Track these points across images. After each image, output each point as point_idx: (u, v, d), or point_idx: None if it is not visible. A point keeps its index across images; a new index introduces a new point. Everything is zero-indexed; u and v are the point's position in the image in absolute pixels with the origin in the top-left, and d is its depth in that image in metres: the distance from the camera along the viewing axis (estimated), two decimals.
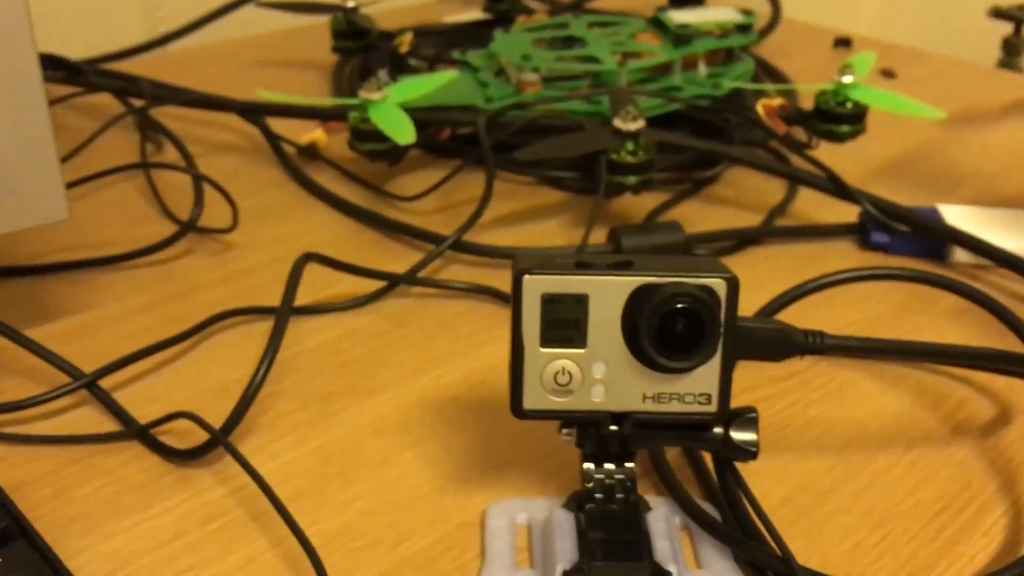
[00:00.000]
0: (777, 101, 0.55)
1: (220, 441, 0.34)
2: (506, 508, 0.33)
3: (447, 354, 0.42)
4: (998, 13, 0.99)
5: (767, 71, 0.72)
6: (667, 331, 0.28)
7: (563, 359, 0.29)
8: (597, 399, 0.29)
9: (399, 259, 0.48)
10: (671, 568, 0.30)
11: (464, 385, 0.40)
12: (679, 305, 0.28)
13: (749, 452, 0.30)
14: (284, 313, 0.38)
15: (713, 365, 0.29)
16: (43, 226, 0.39)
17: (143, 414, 0.37)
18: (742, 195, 0.56)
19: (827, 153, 0.57)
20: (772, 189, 0.56)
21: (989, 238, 0.47)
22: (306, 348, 0.42)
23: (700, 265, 0.29)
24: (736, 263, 0.49)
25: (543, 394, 0.29)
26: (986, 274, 0.48)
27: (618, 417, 0.30)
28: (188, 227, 0.48)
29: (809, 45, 0.80)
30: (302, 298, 0.44)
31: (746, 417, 0.31)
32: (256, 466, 0.33)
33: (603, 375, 0.29)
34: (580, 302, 0.29)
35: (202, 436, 0.35)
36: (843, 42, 0.81)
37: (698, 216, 0.53)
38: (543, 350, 0.29)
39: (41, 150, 0.35)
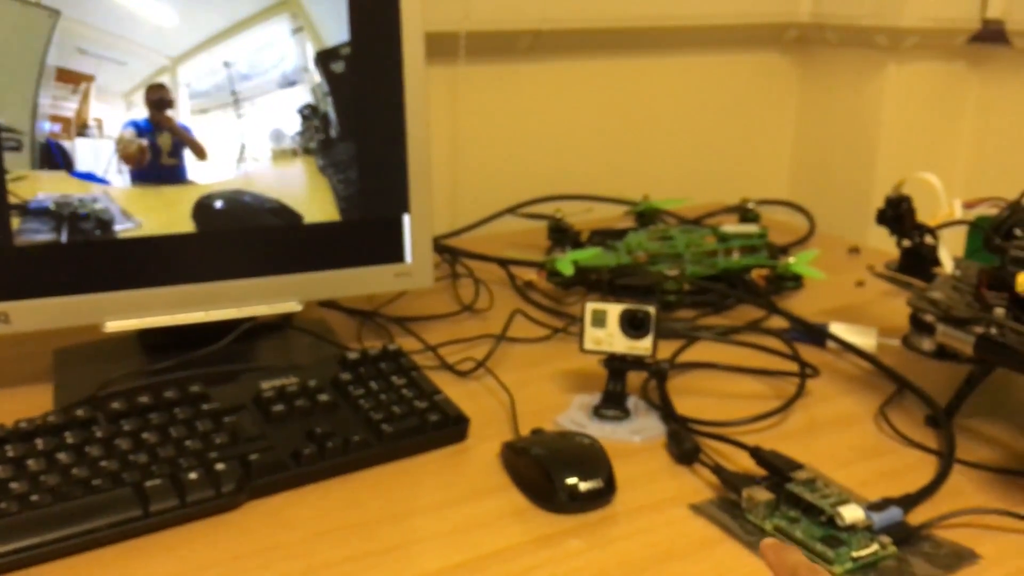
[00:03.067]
0: (764, 272, 1.10)
1: (482, 365, 0.92)
2: (581, 396, 0.89)
3: (574, 359, 0.98)
4: None
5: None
6: (634, 323, 0.84)
7: (599, 331, 0.85)
8: (608, 348, 0.85)
9: (558, 324, 1.05)
10: (631, 409, 0.84)
11: (580, 364, 0.96)
12: (639, 314, 0.84)
13: (664, 372, 0.85)
14: (503, 333, 0.97)
15: (649, 337, 0.84)
16: (416, 300, 0.99)
17: (451, 360, 0.96)
18: (740, 315, 1.09)
19: (803, 300, 1.09)
20: (757, 314, 1.09)
21: (847, 337, 0.98)
22: (515, 352, 1.00)
23: (648, 305, 0.85)
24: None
25: (591, 344, 0.85)
26: (843, 353, 0.99)
27: (618, 356, 0.85)
28: (468, 307, 1.08)
29: (831, 250, 1.33)
30: (516, 335, 1.02)
31: (665, 361, 0.85)
32: None
33: (611, 339, 0.85)
34: (604, 312, 0.85)
35: (474, 366, 0.93)
36: (854, 250, 1.33)
37: (711, 322, 1.08)
38: (591, 328, 0.85)
39: (428, 259, 0.97)
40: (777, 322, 1.06)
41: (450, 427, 0.80)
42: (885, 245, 1.51)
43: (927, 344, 0.82)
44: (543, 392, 0.91)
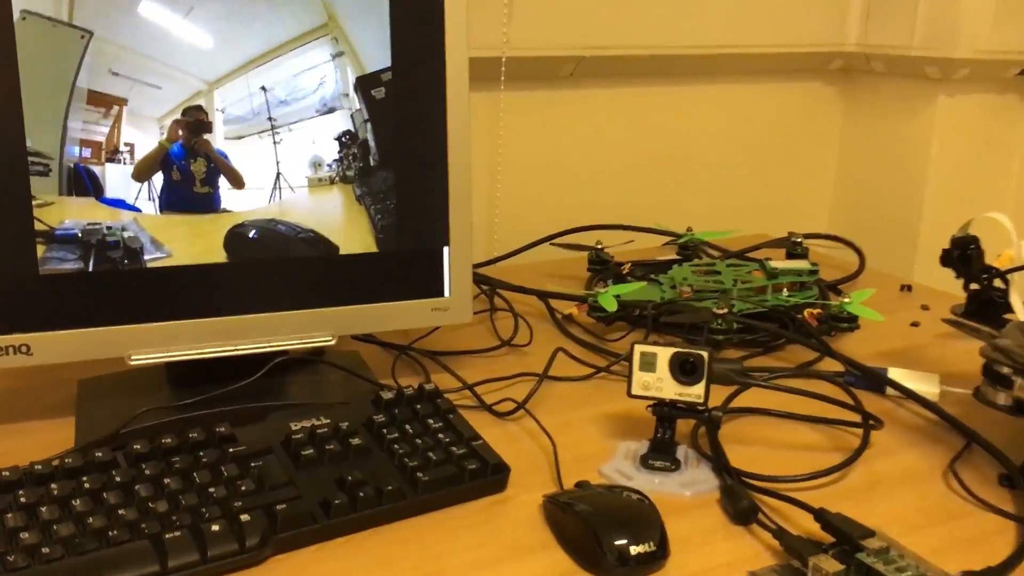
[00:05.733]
0: (816, 311, 1.05)
1: (521, 407, 0.88)
2: (627, 443, 0.84)
3: (619, 400, 0.93)
4: None
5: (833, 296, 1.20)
6: (684, 368, 0.79)
7: (646, 377, 0.80)
8: (657, 393, 0.80)
9: (605, 363, 1.00)
10: (681, 460, 0.79)
11: (624, 408, 0.91)
12: (690, 359, 0.79)
13: (717, 422, 0.80)
14: (545, 372, 0.93)
15: (702, 383, 0.79)
16: (453, 334, 0.95)
17: (489, 400, 0.91)
18: (791, 357, 1.04)
19: (857, 342, 1.04)
20: (808, 355, 1.03)
21: (908, 385, 0.93)
22: (557, 392, 0.95)
23: (702, 347, 0.80)
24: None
25: (639, 389, 0.80)
26: (904, 401, 0.93)
27: (668, 402, 0.80)
28: (507, 342, 1.04)
29: (883, 287, 1.28)
30: (557, 373, 0.98)
31: (717, 409, 0.80)
32: None
33: (660, 384, 0.80)
34: (654, 355, 0.80)
35: (514, 407, 0.88)
36: (906, 287, 1.27)
37: (763, 362, 1.02)
38: (639, 372, 0.80)
39: (467, 293, 0.93)
40: (830, 365, 1.01)
41: (489, 476, 0.75)
42: (934, 282, 1.45)
43: (1003, 398, 0.77)
44: (587, 437, 0.86)
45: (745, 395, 0.92)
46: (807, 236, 1.28)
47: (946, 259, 0.92)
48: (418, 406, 0.82)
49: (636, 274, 1.22)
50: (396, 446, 0.76)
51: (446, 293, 0.93)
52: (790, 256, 1.27)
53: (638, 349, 0.81)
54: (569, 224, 1.37)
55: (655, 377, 0.80)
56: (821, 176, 1.74)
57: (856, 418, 0.86)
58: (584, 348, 1.06)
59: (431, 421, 0.80)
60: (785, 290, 1.12)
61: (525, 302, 1.20)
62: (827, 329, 1.06)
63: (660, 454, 0.80)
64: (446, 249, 0.92)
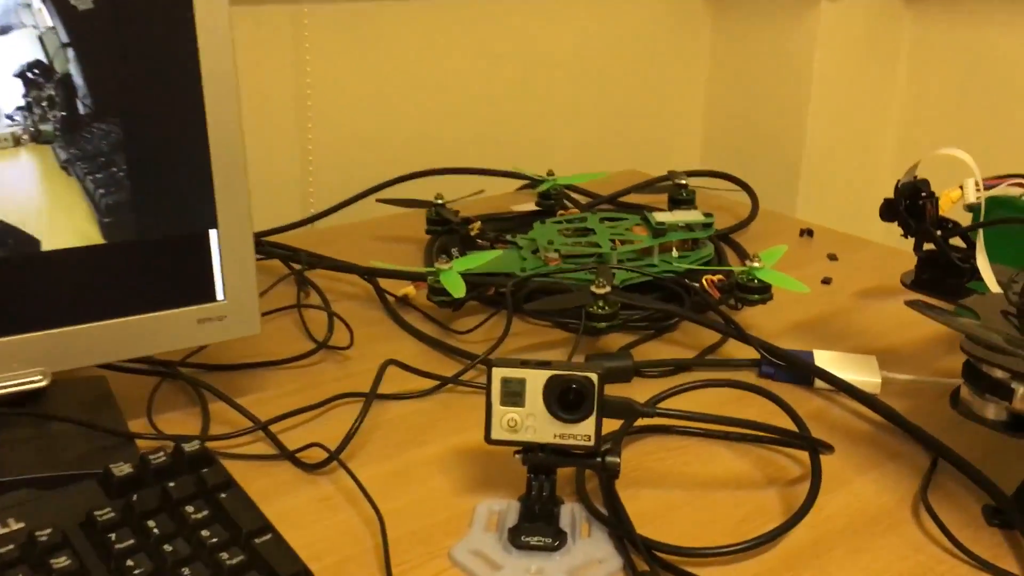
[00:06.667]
0: (717, 277, 0.82)
1: (335, 458, 0.61)
2: (487, 503, 0.59)
3: (471, 425, 0.68)
4: None
5: (739, 252, 0.99)
6: (565, 399, 0.55)
7: (512, 412, 0.56)
8: (530, 435, 0.55)
9: (453, 369, 0.75)
10: (566, 530, 0.55)
11: (478, 442, 0.66)
12: (572, 386, 0.55)
13: (614, 470, 0.56)
14: (372, 394, 0.66)
15: (591, 419, 0.55)
16: (242, 339, 0.68)
17: (293, 446, 0.64)
18: (688, 339, 0.82)
19: (759, 313, 0.83)
20: (710, 336, 0.81)
21: (840, 373, 0.72)
22: (390, 417, 0.69)
23: (590, 366, 0.55)
24: (673, 380, 0.75)
25: (501, 431, 0.56)
26: (835, 395, 0.72)
27: (542, 446, 0.56)
28: (321, 345, 0.77)
29: (782, 231, 1.07)
30: (390, 389, 0.72)
31: (613, 450, 0.56)
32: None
33: (532, 422, 0.55)
34: (521, 382, 0.55)
35: (326, 457, 0.62)
36: (807, 231, 1.07)
37: (654, 351, 0.80)
38: (501, 407, 0.56)
39: (251, 294, 0.65)
40: (735, 349, 0.79)
41: None
42: (824, 218, 1.26)
43: (993, 411, 0.56)
44: (431, 497, 0.61)
45: (637, 388, 0.69)
46: (691, 174, 1.05)
47: (889, 211, 0.71)
48: (171, 484, 0.54)
49: (488, 236, 0.96)
50: (130, 562, 0.49)
51: (219, 296, 0.65)
52: (674, 203, 1.04)
53: (498, 374, 0.55)
54: (402, 170, 1.09)
55: (524, 413, 0.55)
56: (690, 101, 1.52)
57: (787, 432, 0.64)
58: (425, 345, 0.80)
59: (191, 510, 0.52)
60: (675, 250, 0.89)
61: (348, 280, 0.93)
62: (729, 299, 0.83)
63: (536, 523, 0.56)
64: (213, 233, 0.63)
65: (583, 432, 0.55)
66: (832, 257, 1.00)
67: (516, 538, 0.55)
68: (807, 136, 1.40)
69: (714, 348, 0.80)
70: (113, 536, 0.50)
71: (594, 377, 0.55)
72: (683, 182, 1.04)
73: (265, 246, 0.93)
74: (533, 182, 1.09)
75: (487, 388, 0.56)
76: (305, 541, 0.55)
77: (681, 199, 1.03)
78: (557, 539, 0.55)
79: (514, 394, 0.55)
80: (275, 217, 1.05)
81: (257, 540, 0.51)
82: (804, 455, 0.64)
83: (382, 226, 1.09)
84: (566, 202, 1.06)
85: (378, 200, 1.05)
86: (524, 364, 0.56)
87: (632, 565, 0.53)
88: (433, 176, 1.09)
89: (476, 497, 0.60)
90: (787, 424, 0.64)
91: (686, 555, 0.54)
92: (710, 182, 1.14)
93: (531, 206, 1.07)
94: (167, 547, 0.50)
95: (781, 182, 1.41)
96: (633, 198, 1.11)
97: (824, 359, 0.75)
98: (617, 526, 0.56)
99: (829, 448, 0.60)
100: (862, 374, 0.73)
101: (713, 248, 0.92)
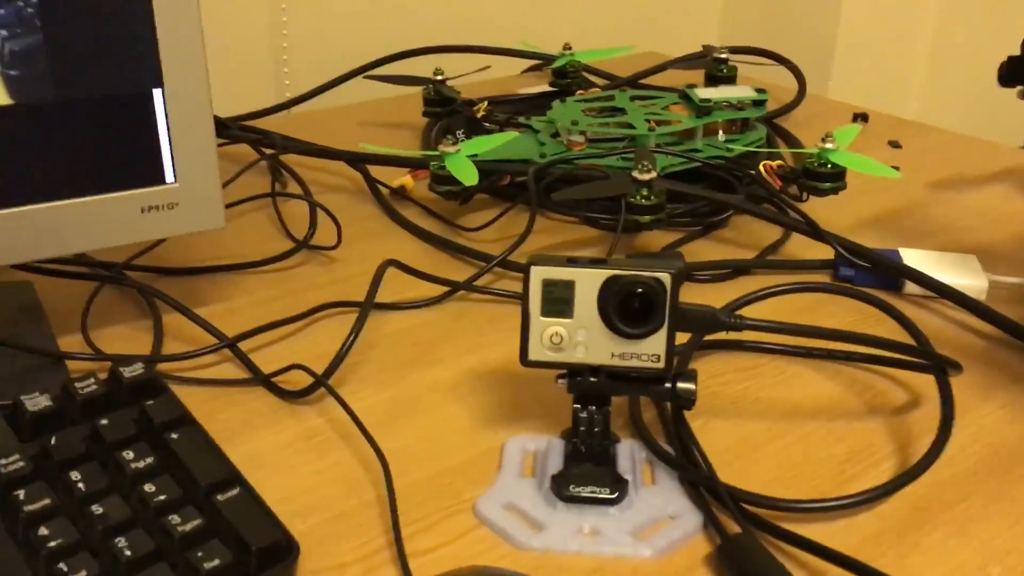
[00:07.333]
0: (776, 162, 0.68)
1: (322, 383, 0.48)
2: (519, 440, 0.46)
3: (492, 341, 0.55)
4: None
5: (786, 139, 0.84)
6: (628, 308, 0.41)
7: (556, 326, 0.42)
8: (579, 355, 0.42)
9: (463, 273, 0.61)
10: (627, 478, 0.42)
11: (502, 362, 0.53)
12: (637, 290, 0.41)
13: (689, 400, 0.43)
14: (368, 302, 0.53)
15: (661, 334, 0.42)
16: (203, 237, 0.54)
17: (267, 368, 0.51)
18: (744, 237, 0.68)
19: (824, 205, 0.69)
20: (769, 234, 0.68)
21: (936, 275, 0.59)
22: (389, 332, 0.56)
23: (654, 264, 0.42)
24: (731, 287, 0.62)
25: (542, 350, 0.42)
26: (930, 303, 0.59)
27: (595, 369, 0.43)
28: (302, 244, 0.63)
29: (831, 117, 0.93)
30: (389, 297, 0.58)
31: (687, 374, 0.43)
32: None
33: (584, 338, 0.42)
34: (569, 286, 0.42)
35: (310, 383, 0.49)
36: (861, 116, 0.93)
37: (705, 251, 0.66)
38: (543, 318, 0.42)
39: (210, 172, 0.50)
40: (799, 249, 0.66)
41: (255, 572, 0.36)
42: (874, 101, 1.12)
43: None
44: (446, 432, 0.48)
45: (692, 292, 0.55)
46: (733, 51, 0.90)
47: (1013, 72, 0.57)
48: (103, 421, 0.40)
49: (497, 118, 0.82)
50: (43, 530, 0.35)
51: (168, 178, 0.50)
52: (712, 82, 0.89)
53: (539, 275, 0.42)
54: (393, 47, 0.93)
55: (572, 326, 0.42)
56: None
57: (896, 347, 0.50)
58: (428, 244, 0.66)
59: (129, 456, 0.39)
60: (721, 132, 0.75)
61: (332, 169, 0.78)
62: (790, 189, 0.70)
63: (586, 468, 0.43)
64: (157, 94, 0.49)
65: (650, 351, 0.42)
66: (895, 144, 0.86)
67: (562, 488, 0.42)
68: (843, 10, 1.25)
69: (775, 247, 0.66)
70: (21, 494, 0.37)
71: (666, 278, 0.41)
72: (723, 56, 0.89)
73: (231, 129, 0.79)
74: (545, 60, 0.93)
75: (523, 295, 0.42)
76: (285, 493, 0.43)
77: (721, 76, 0.88)
78: (616, 489, 0.42)
79: (560, 302, 0.42)
80: (241, 103, 0.90)
81: (219, 496, 0.38)
82: (908, 376, 0.52)
83: (370, 111, 0.93)
84: (584, 84, 0.91)
85: (366, 77, 0.89)
86: (572, 262, 0.42)
87: (716, 523, 0.41)
88: (427, 55, 0.93)
89: (504, 432, 0.47)
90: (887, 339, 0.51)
91: (787, 509, 0.41)
92: (750, 60, 0.98)
93: (544, 87, 0.92)
94: (95, 508, 0.37)
95: (813, 63, 1.25)
96: (660, 79, 0.96)
97: (914, 259, 0.61)
98: (692, 472, 0.43)
99: (958, 367, 0.47)
100: (963, 276, 0.60)
101: (767, 131, 0.77)
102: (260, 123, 0.85)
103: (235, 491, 0.38)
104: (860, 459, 0.46)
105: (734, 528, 0.40)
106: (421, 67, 0.89)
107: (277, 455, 0.45)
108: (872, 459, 0.46)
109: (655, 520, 0.41)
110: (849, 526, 0.42)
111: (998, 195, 0.76)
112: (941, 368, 0.47)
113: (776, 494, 0.43)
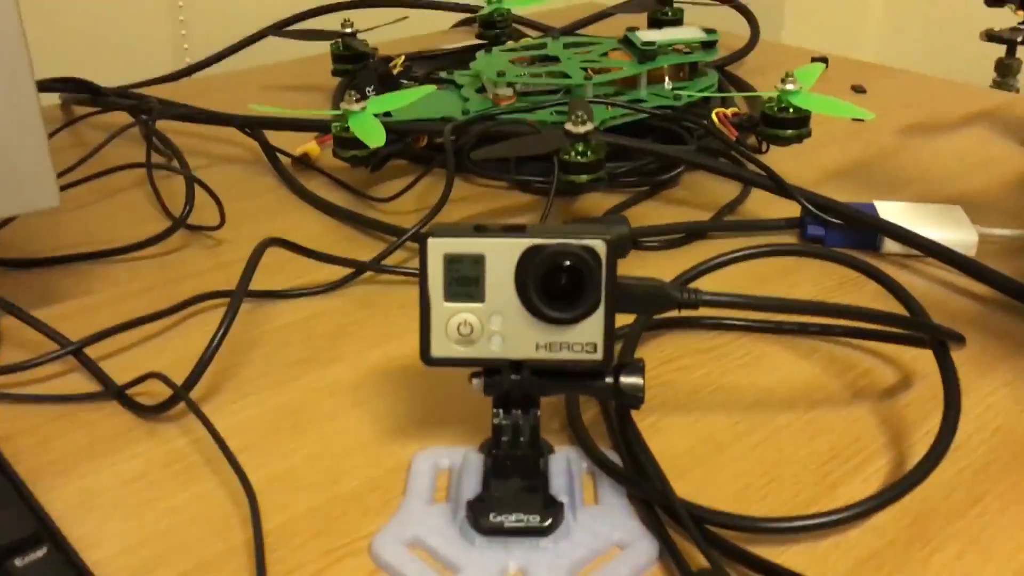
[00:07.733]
0: (731, 110, 0.60)
1: (182, 397, 0.39)
2: (430, 454, 0.37)
3: (403, 330, 0.46)
4: (991, 36, 1.02)
5: (740, 88, 0.76)
6: (553, 286, 0.32)
7: (465, 312, 0.33)
8: (496, 348, 0.33)
9: (373, 252, 0.52)
10: (563, 499, 0.34)
11: (414, 356, 0.44)
12: (564, 263, 0.32)
13: (636, 398, 0.34)
14: (241, 290, 0.43)
15: (597, 317, 0.33)
16: (52, 224, 0.44)
17: (124, 378, 0.41)
18: (697, 196, 0.60)
19: (785, 157, 0.61)
20: (725, 191, 0.59)
21: (919, 230, 0.51)
22: (277, 326, 0.46)
23: (586, 230, 0.33)
24: (684, 254, 0.53)
25: (448, 343, 0.33)
26: (914, 262, 0.51)
27: (516, 365, 0.34)
28: (178, 223, 0.53)
29: (786, 64, 0.84)
30: (281, 284, 0.49)
31: (633, 365, 0.34)
32: (216, 421, 0.38)
33: (500, 326, 0.33)
34: (478, 261, 0.33)
35: (170, 395, 0.39)
36: (821, 60, 0.84)
37: (653, 214, 0.57)
38: (447, 304, 0.33)
39: (33, 140, 0.40)
40: (760, 207, 0.57)
41: None
42: (829, 44, 1.04)
43: None
44: (337, 445, 0.38)
45: (636, 262, 0.47)
46: None
47: None
48: None
49: (415, 74, 0.72)
50: None
51: None
52: (656, 26, 0.80)
53: (438, 249, 0.33)
54: (300, 4, 0.83)
55: (484, 312, 0.33)
56: None
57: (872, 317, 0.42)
58: (334, 219, 0.57)
59: None
60: (667, 79, 0.66)
61: (227, 138, 0.68)
62: (748, 139, 0.61)
63: (510, 488, 0.34)
64: None
65: (584, 339, 0.33)
66: (859, 89, 0.78)
67: (480, 516, 0.33)
68: None
69: (734, 206, 0.58)
70: None
71: (601, 246, 0.32)
72: None
73: (106, 96, 0.68)
74: (470, 11, 0.84)
75: (421, 275, 0.33)
76: (129, 541, 0.33)
77: (666, 20, 0.79)
78: (548, 515, 0.33)
79: (467, 282, 0.33)
80: (137, 72, 0.79)
81: (18, 561, 0.28)
82: (896, 351, 0.44)
83: (276, 73, 0.83)
84: (517, 31, 0.81)
85: (268, 33, 0.79)
86: (481, 231, 0.33)
87: (675, 552, 0.32)
88: (339, 12, 0.83)
89: (413, 444, 0.38)
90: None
91: (762, 530, 0.33)
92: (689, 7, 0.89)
93: (470, 40, 0.83)
94: None
95: (765, 6, 1.17)
96: (602, 28, 0.86)
97: (892, 212, 0.53)
98: (643, 486, 0.35)
99: (960, 339, 0.39)
100: (949, 230, 0.52)
101: (718, 77, 0.69)
102: (154, 91, 0.74)
103: (40, 552, 0.29)
104: (846, 456, 0.38)
105: (698, 559, 0.32)
106: (332, 24, 0.79)
107: (124, 489, 0.36)
108: (861, 455, 0.38)
109: (598, 552, 0.33)
110: (840, 545, 0.33)
111: (976, 138, 0.68)
112: (940, 341, 0.38)
113: (748, 509, 0.34)
